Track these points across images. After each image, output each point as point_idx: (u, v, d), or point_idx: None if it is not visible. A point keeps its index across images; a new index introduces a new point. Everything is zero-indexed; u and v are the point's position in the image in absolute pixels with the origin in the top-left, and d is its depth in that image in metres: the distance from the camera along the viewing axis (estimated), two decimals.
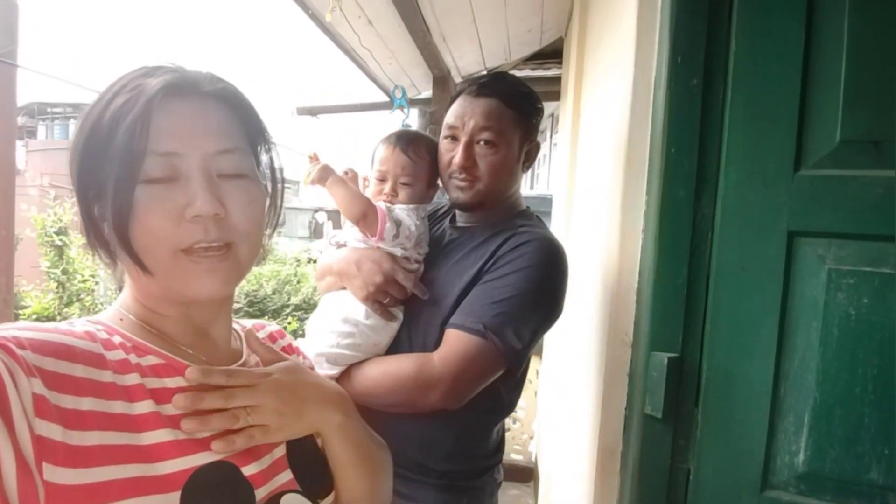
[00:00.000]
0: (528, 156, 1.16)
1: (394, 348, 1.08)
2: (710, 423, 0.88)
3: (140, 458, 0.51)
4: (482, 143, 1.08)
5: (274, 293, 6.88)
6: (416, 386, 0.97)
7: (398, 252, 1.09)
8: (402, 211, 1.11)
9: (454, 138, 1.10)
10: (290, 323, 6.11)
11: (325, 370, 1.02)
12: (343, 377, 1.04)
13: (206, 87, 0.59)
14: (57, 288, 6.12)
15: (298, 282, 7.47)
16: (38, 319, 5.54)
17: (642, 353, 0.93)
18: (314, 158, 1.14)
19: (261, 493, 0.60)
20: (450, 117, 1.12)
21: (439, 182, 1.18)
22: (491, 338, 0.96)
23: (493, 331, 0.96)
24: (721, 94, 0.88)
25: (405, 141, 1.14)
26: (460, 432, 1.07)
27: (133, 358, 0.55)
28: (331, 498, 0.70)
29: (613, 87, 1.24)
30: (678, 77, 0.89)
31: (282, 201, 0.68)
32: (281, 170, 0.68)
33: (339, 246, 1.15)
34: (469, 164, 1.08)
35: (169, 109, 0.55)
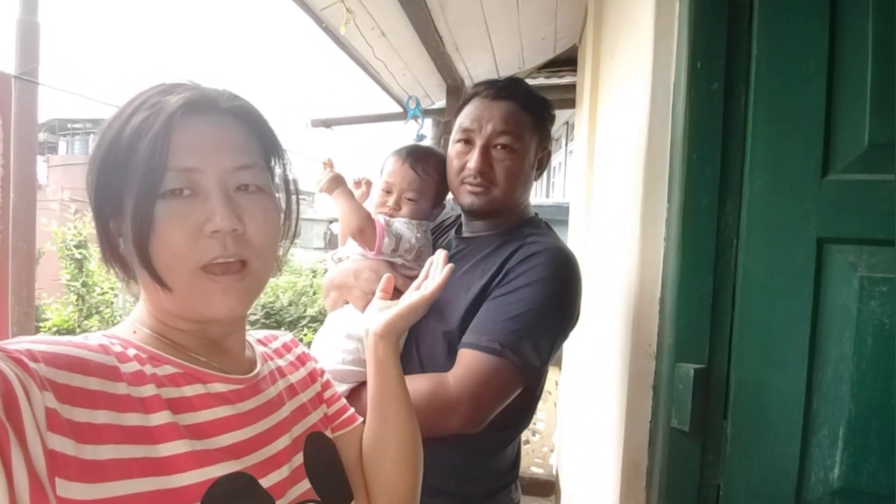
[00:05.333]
0: (541, 163, 1.13)
1: (403, 361, 1.03)
2: (740, 437, 0.85)
3: (156, 471, 0.50)
4: (499, 147, 1.04)
5: (290, 305, 6.91)
6: (431, 410, 0.92)
7: (398, 261, 1.09)
8: (401, 224, 1.10)
9: (468, 142, 1.06)
10: (305, 335, 6.11)
11: None
12: (352, 398, 0.99)
13: (224, 105, 0.60)
14: (77, 300, 6.21)
15: (314, 293, 7.49)
16: (58, 332, 5.62)
17: (667, 365, 0.90)
18: (328, 165, 1.14)
19: (281, 503, 0.60)
20: (465, 120, 1.07)
21: (446, 201, 1.17)
22: (508, 355, 0.92)
23: (510, 348, 0.92)
24: (743, 98, 0.86)
25: (415, 156, 1.13)
26: (472, 452, 1.03)
27: (149, 369, 0.55)
28: None
29: (631, 93, 1.23)
30: (698, 82, 0.88)
31: (297, 215, 0.68)
32: (296, 183, 0.68)
33: (340, 261, 1.15)
34: (486, 168, 1.04)
35: (188, 126, 0.56)
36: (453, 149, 1.09)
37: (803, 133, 0.81)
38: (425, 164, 1.12)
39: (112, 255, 0.58)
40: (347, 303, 1.10)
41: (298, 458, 0.65)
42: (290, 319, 6.66)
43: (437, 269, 0.86)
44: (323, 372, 0.80)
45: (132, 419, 0.51)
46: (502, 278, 1.00)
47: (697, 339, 0.87)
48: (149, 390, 0.53)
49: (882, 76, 0.79)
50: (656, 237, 0.97)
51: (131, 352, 0.55)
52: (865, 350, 0.78)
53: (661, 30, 0.98)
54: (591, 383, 1.69)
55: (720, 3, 0.87)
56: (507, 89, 1.05)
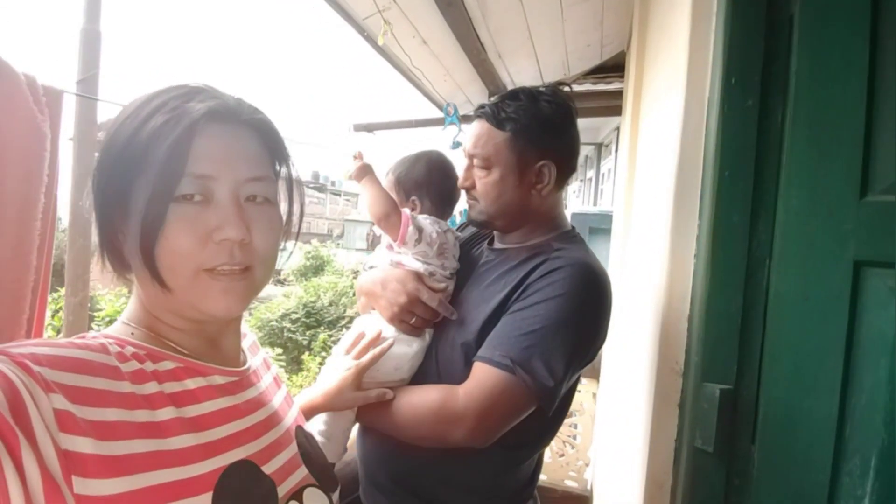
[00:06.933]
0: (541, 175, 1.07)
1: (422, 370, 1.06)
2: (768, 462, 0.83)
3: (169, 463, 0.52)
4: (477, 165, 1.09)
5: (330, 304, 7.06)
6: (438, 420, 0.94)
7: (421, 267, 1.09)
8: (424, 219, 1.13)
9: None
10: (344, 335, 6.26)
11: None
12: (367, 405, 1.02)
13: (244, 116, 0.61)
14: (129, 293, 6.50)
15: (354, 294, 7.63)
16: (110, 322, 5.92)
17: (693, 384, 0.89)
18: (358, 157, 1.18)
19: (282, 489, 0.63)
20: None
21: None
22: (520, 373, 0.90)
23: (521, 365, 0.90)
24: (780, 114, 0.84)
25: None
26: (482, 467, 1.02)
27: (148, 366, 0.57)
28: (338, 492, 0.74)
29: (667, 106, 1.21)
30: (732, 98, 0.86)
31: (299, 228, 0.70)
32: (302, 196, 0.70)
33: (371, 268, 1.17)
34: (467, 184, 1.11)
35: (209, 134, 0.58)
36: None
37: (842, 152, 0.78)
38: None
39: (109, 247, 0.60)
40: (374, 309, 1.12)
41: (293, 448, 0.69)
42: (329, 319, 6.80)
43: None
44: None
45: (141, 415, 0.52)
46: (522, 292, 0.98)
47: (725, 359, 0.85)
48: (151, 387, 0.55)
49: None
50: (686, 253, 0.95)
51: (129, 350, 0.57)
52: None
53: (697, 43, 0.96)
54: (620, 397, 1.67)
55: (758, 17, 0.85)
56: (481, 108, 1.09)
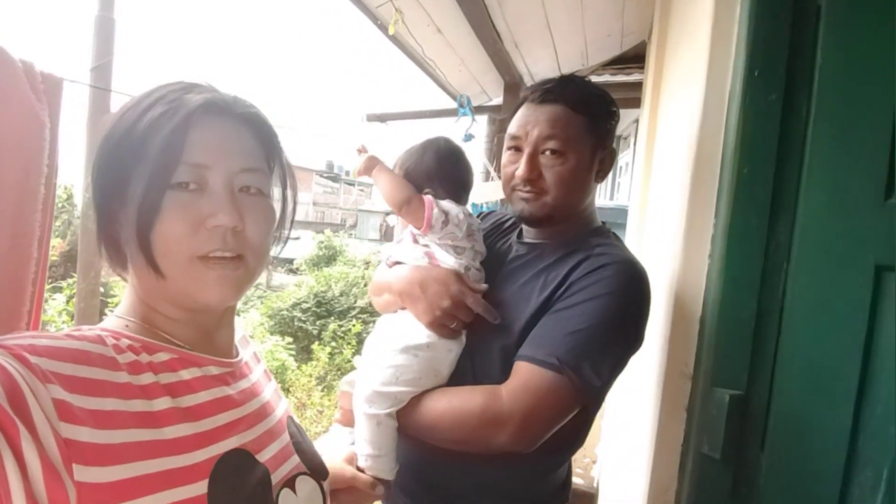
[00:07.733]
0: (603, 165, 1.04)
1: (456, 374, 1.00)
2: (777, 471, 0.80)
3: (166, 451, 0.53)
4: (548, 152, 0.98)
5: (341, 295, 7.07)
6: (481, 423, 0.88)
7: (455, 263, 1.02)
8: (446, 202, 1.06)
9: (517, 149, 1.02)
10: (353, 325, 6.24)
11: (383, 409, 0.96)
12: (404, 408, 0.97)
13: (239, 110, 0.63)
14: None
15: (365, 284, 7.64)
16: None
17: (702, 388, 0.86)
18: (361, 150, 1.13)
19: (275, 477, 0.64)
20: (512, 127, 1.03)
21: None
22: (567, 372, 0.86)
23: (568, 365, 0.86)
24: (804, 111, 0.80)
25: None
26: (519, 474, 0.98)
27: (144, 357, 0.57)
28: (328, 480, 0.76)
29: (686, 98, 1.17)
30: (754, 91, 0.82)
31: (291, 222, 0.72)
32: (294, 192, 0.71)
33: (394, 264, 1.09)
34: (533, 175, 0.99)
35: (204, 125, 0.59)
36: (505, 157, 1.06)
37: (867, 152, 0.75)
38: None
39: (107, 237, 0.61)
40: (403, 308, 1.04)
41: (286, 437, 0.70)
42: (340, 309, 6.81)
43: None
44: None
45: (137, 405, 0.53)
46: (565, 291, 0.94)
47: (736, 365, 0.82)
48: (147, 378, 0.56)
49: None
50: (700, 253, 0.92)
51: (124, 342, 0.57)
52: None
53: (719, 34, 0.93)
54: (628, 397, 1.65)
55: (785, 7, 0.82)
56: (553, 91, 1.00)
